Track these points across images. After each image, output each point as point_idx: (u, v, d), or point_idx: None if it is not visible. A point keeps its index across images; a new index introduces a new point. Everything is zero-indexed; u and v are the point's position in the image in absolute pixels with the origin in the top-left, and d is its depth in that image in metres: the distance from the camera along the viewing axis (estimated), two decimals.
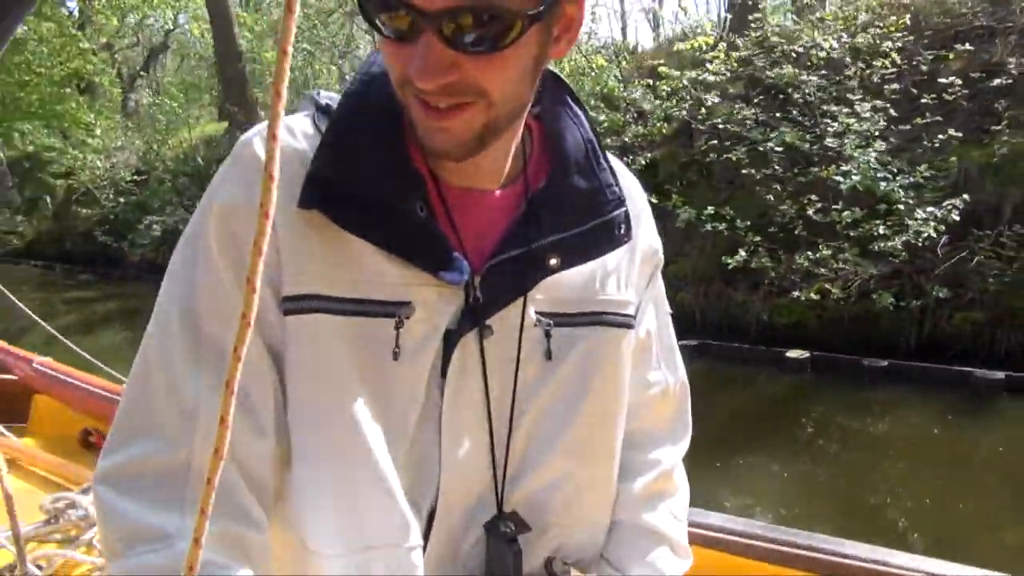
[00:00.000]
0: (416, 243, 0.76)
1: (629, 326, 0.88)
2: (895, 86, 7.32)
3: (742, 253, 7.05)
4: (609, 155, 0.89)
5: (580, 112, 0.88)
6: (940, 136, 6.78)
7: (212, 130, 17.27)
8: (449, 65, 0.66)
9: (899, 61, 7.56)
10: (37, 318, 3.26)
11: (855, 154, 6.84)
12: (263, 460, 0.74)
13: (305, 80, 15.70)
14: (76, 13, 20.78)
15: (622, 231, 0.85)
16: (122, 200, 15.64)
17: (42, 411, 2.95)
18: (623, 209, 0.85)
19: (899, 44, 7.69)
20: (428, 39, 0.65)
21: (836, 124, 7.19)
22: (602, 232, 0.84)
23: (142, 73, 24.73)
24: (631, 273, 0.89)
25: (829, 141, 7.09)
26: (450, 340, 0.78)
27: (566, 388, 0.84)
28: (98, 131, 17.49)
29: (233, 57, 16.06)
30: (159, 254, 13.85)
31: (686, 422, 1.01)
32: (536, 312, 0.82)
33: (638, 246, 0.90)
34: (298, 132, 0.79)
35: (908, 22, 8.02)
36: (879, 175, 6.63)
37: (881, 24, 7.98)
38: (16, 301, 3.06)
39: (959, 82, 7.09)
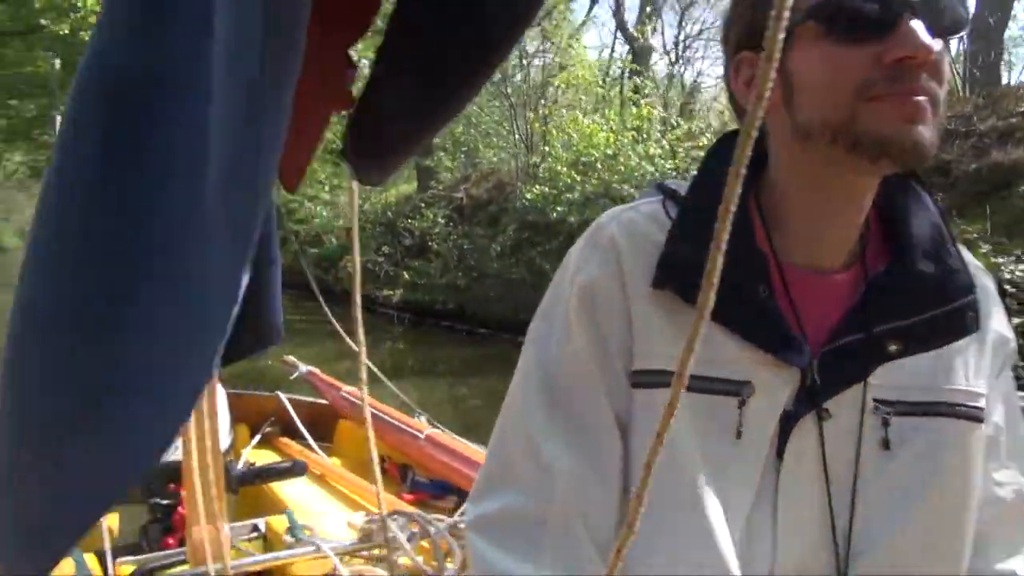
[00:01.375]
0: (757, 323, 0.77)
1: (979, 419, 0.81)
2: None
3: None
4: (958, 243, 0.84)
5: (926, 196, 0.84)
6: None
7: (407, 190, 21.32)
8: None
9: None
10: (382, 376, 3.64)
11: None
12: (608, 519, 0.78)
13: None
14: None
15: (970, 320, 0.80)
16: (334, 242, 19.96)
17: (344, 435, 3.26)
18: (972, 297, 0.80)
19: None
20: (909, 25, 0.67)
21: None
22: (948, 320, 0.79)
23: None
24: (981, 363, 0.83)
25: None
26: (787, 422, 0.77)
27: (905, 481, 0.78)
28: (327, 187, 22.04)
29: None
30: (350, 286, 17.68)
31: None
32: (874, 399, 0.78)
33: (987, 336, 0.84)
34: (651, 220, 0.83)
35: None
36: None
37: None
38: (361, 355, 3.61)
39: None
